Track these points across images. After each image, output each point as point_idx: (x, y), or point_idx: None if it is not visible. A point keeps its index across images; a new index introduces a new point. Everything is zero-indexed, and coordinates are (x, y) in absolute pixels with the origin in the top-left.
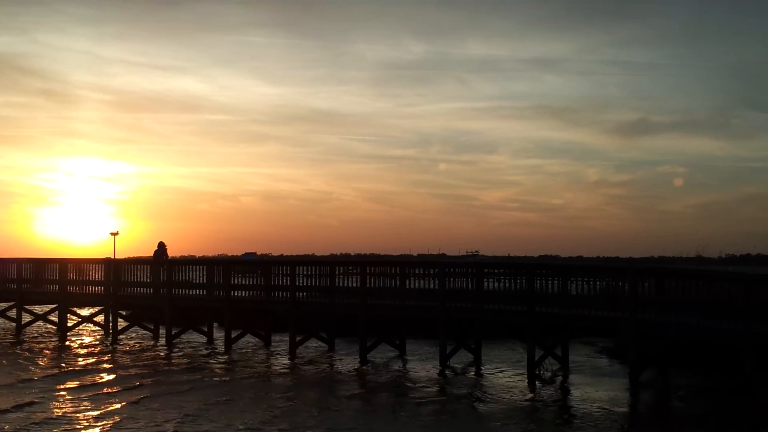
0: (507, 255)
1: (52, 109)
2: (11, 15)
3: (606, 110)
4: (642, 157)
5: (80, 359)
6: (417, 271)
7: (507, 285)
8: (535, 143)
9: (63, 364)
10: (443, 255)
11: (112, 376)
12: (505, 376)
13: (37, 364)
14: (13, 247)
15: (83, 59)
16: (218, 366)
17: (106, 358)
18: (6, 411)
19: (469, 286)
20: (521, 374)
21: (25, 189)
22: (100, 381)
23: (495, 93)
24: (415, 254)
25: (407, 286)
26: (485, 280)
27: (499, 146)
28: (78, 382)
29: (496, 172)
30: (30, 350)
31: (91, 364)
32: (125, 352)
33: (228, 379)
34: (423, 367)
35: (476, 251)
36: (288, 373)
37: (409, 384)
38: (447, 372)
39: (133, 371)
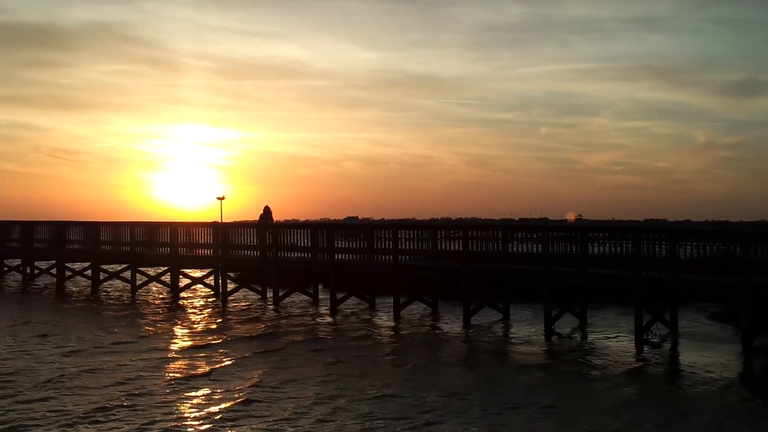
0: (611, 219)
1: (158, 77)
2: None
3: (713, 70)
4: (751, 117)
5: (193, 319)
6: (519, 235)
7: (612, 249)
8: (639, 105)
9: (177, 322)
10: (545, 219)
11: (223, 337)
12: (612, 341)
13: (155, 323)
14: (125, 211)
15: (186, 27)
16: (325, 327)
17: (217, 319)
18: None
19: (574, 250)
20: (629, 339)
21: (134, 155)
22: (213, 341)
23: (597, 54)
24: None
25: (510, 250)
26: (589, 244)
27: (602, 108)
28: (191, 342)
29: (599, 135)
30: (145, 310)
31: (204, 324)
32: (235, 313)
33: (336, 340)
34: (527, 331)
35: (579, 215)
36: (393, 336)
37: (514, 347)
38: (552, 336)
39: (243, 332)
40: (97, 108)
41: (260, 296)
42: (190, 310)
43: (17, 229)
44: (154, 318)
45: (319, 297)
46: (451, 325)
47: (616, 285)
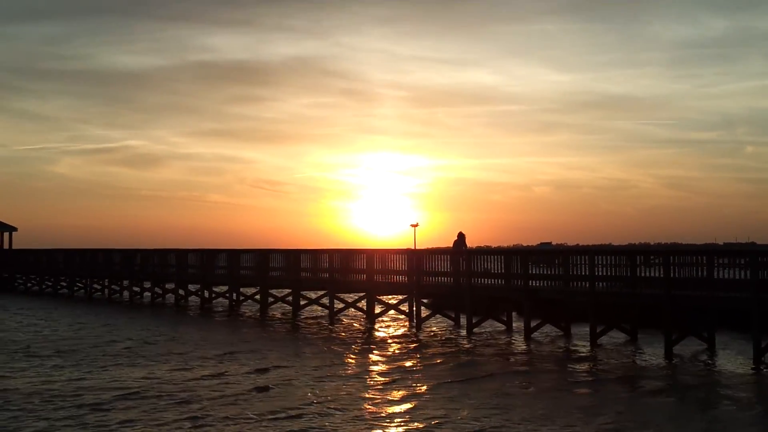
0: None
1: (354, 108)
2: (316, 21)
3: None
4: None
5: (389, 345)
6: (724, 261)
7: None
8: None
9: (373, 348)
10: (752, 243)
11: (420, 362)
12: None
13: (351, 348)
14: (322, 239)
15: (381, 58)
16: (518, 354)
17: (412, 345)
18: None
19: None
20: None
21: (330, 184)
22: (410, 367)
23: None
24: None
25: (714, 276)
26: None
27: None
28: (387, 365)
29: None
30: (343, 336)
31: (400, 349)
32: (429, 338)
33: (529, 369)
34: (734, 363)
35: None
36: (590, 363)
37: (720, 381)
38: (762, 368)
39: (438, 358)
40: (297, 140)
41: (453, 323)
42: (385, 336)
43: (224, 257)
44: (352, 345)
45: (513, 324)
46: (652, 354)
47: None
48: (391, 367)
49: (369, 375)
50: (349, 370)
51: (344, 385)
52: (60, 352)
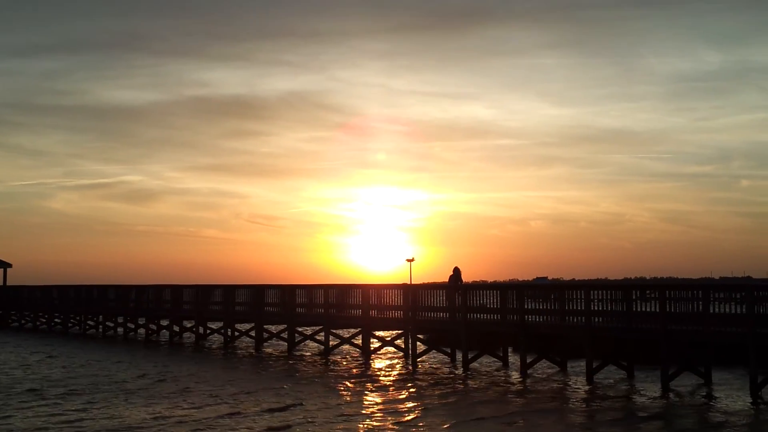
0: None
1: (350, 142)
2: (313, 55)
3: None
4: None
5: (384, 381)
6: (720, 295)
7: None
8: None
9: (368, 385)
10: (748, 278)
11: (414, 398)
12: None
13: (346, 385)
14: (318, 274)
15: (377, 92)
16: (515, 392)
17: (407, 382)
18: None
19: None
20: None
21: (327, 219)
22: (404, 405)
23: None
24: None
25: (711, 311)
26: None
27: None
28: (383, 405)
29: None
30: (339, 372)
31: (395, 386)
32: (425, 375)
33: (527, 406)
34: (731, 398)
35: None
36: (587, 401)
37: (718, 416)
38: (759, 404)
39: (433, 394)
40: (293, 174)
41: (449, 358)
42: (380, 373)
43: (219, 292)
44: (348, 382)
45: (509, 359)
46: (649, 389)
47: None
48: (386, 406)
49: (363, 414)
50: (344, 409)
51: (340, 425)
52: (51, 390)
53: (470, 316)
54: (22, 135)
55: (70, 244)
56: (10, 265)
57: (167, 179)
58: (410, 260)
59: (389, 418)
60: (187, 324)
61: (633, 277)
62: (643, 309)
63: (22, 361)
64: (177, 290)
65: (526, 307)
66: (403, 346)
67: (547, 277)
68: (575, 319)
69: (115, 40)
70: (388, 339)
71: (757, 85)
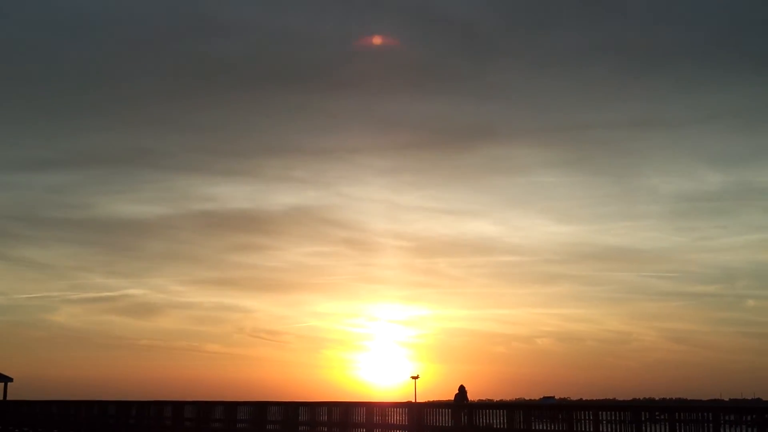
0: None
1: (355, 257)
2: (320, 171)
3: None
4: None
5: None
6: (730, 418)
7: None
8: None
9: None
10: (758, 399)
11: None
12: None
13: None
14: (327, 390)
15: (382, 208)
16: None
17: None
18: None
19: None
20: None
21: (334, 334)
22: None
23: None
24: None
25: None
26: None
27: None
28: None
29: None
30: None
31: None
32: None
33: None
34: None
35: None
36: None
37: None
38: None
39: None
40: (297, 289)
41: None
42: None
43: (221, 409)
44: None
45: None
46: None
47: None
48: None
49: None
50: None
51: None
52: None
53: None
54: (28, 248)
55: (71, 359)
56: (11, 380)
57: (171, 293)
58: (415, 377)
59: None
60: None
61: (641, 398)
62: (653, 431)
63: None
64: (178, 407)
65: (533, 427)
66: None
67: (554, 396)
68: None
69: (123, 155)
70: None
71: (760, 205)
